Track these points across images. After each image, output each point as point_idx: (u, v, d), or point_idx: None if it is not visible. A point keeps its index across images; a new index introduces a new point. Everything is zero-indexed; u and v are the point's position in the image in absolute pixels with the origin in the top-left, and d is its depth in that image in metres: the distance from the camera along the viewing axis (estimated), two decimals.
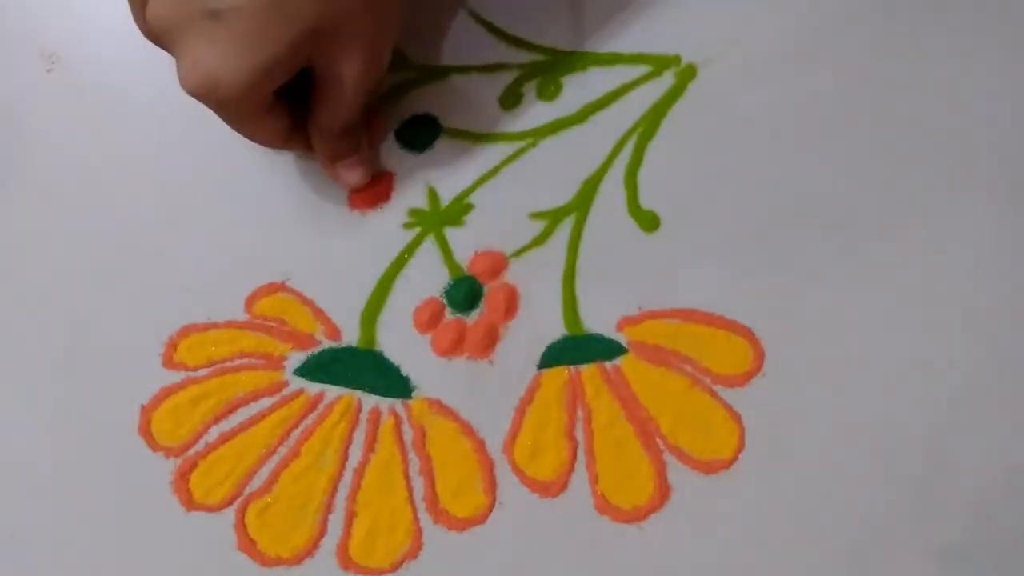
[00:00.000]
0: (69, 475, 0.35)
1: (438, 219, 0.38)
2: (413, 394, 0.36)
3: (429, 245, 0.38)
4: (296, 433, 0.35)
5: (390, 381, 0.36)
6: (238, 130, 0.35)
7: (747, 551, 0.33)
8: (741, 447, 0.35)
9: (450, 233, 0.38)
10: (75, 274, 0.38)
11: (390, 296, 0.37)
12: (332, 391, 0.36)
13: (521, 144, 0.39)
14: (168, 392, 0.36)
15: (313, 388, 0.36)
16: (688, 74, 0.40)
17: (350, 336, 0.37)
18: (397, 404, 0.36)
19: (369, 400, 0.36)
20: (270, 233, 0.38)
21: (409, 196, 0.39)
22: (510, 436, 0.35)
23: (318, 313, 0.37)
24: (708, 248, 0.37)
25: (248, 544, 0.34)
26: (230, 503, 0.35)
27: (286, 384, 0.36)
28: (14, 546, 0.34)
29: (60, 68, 0.40)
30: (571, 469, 0.35)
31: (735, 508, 0.34)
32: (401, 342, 0.37)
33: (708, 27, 0.40)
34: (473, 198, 0.39)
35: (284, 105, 0.35)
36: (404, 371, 0.36)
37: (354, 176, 0.38)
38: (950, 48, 0.39)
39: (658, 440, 0.35)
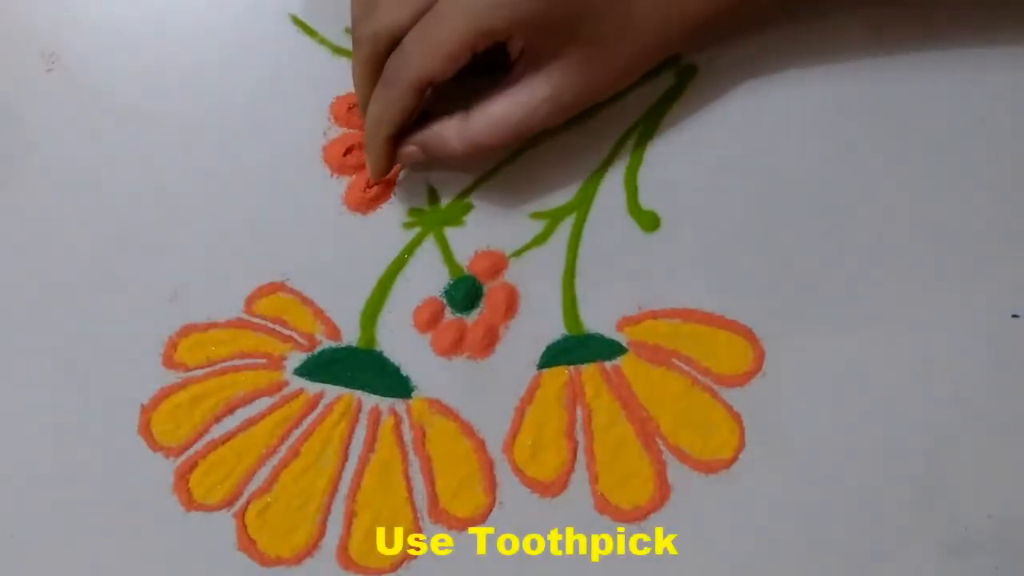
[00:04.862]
0: (69, 475, 0.35)
1: (438, 219, 0.38)
2: (413, 394, 0.36)
3: (429, 245, 0.38)
4: (296, 433, 0.35)
5: (390, 381, 0.36)
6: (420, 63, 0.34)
7: (747, 551, 0.33)
8: (741, 447, 0.35)
9: (450, 233, 0.38)
10: (75, 274, 0.37)
11: (390, 296, 0.37)
12: (332, 391, 0.36)
13: (521, 144, 0.39)
14: (168, 392, 0.36)
15: (313, 388, 0.36)
16: (688, 74, 0.40)
17: (350, 336, 0.37)
18: (397, 404, 0.36)
19: (369, 400, 0.36)
20: (270, 233, 0.38)
21: (409, 196, 0.39)
22: (510, 436, 0.35)
23: (318, 313, 0.37)
24: (708, 248, 0.37)
25: (248, 544, 0.34)
26: (230, 503, 0.35)
27: (286, 384, 0.36)
28: (14, 546, 0.34)
29: (60, 68, 0.40)
30: (571, 469, 0.35)
31: (735, 508, 0.34)
32: (401, 342, 0.36)
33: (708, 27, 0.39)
34: (473, 198, 0.38)
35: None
36: (404, 371, 0.36)
37: (382, 166, 0.37)
38: (955, 48, 0.39)
39: (658, 440, 0.35)
